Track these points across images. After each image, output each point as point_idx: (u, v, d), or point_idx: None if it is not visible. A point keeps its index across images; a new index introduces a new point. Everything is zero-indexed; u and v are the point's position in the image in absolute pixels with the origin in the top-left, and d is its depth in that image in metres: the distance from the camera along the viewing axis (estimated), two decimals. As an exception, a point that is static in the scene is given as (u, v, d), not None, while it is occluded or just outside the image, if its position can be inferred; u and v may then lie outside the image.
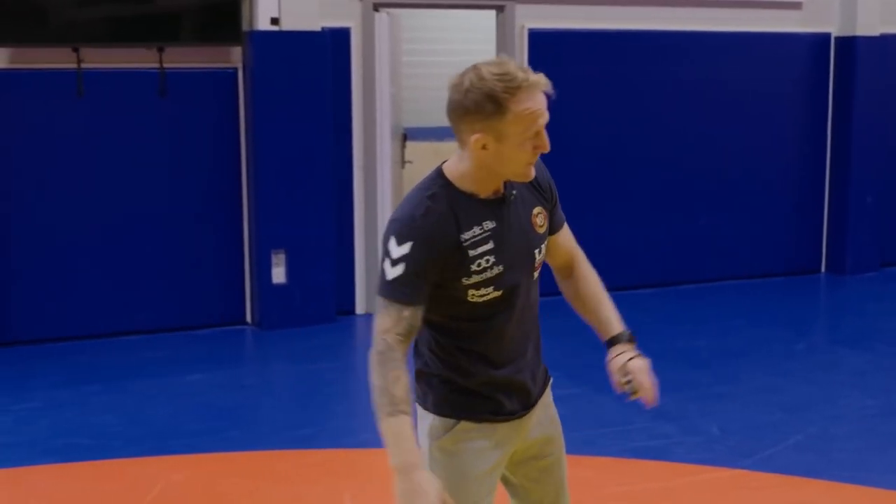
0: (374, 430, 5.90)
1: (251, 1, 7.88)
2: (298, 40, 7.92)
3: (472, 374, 2.77)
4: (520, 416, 2.85)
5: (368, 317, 8.46)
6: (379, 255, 2.81)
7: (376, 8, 8.39)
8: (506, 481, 3.01)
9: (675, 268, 9.39)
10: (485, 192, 2.73)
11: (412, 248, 2.62)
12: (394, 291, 2.64)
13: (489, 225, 2.70)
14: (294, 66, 7.91)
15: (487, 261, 2.68)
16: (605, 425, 5.94)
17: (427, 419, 2.83)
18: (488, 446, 2.81)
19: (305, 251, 8.09)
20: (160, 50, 7.67)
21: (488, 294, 2.71)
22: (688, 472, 5.26)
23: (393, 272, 2.64)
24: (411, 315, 2.64)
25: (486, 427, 2.80)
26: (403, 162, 9.32)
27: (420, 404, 2.85)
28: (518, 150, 2.64)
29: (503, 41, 8.84)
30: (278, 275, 8.01)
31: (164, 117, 7.82)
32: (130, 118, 7.76)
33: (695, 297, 8.91)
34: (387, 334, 2.64)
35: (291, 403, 6.61)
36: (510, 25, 8.79)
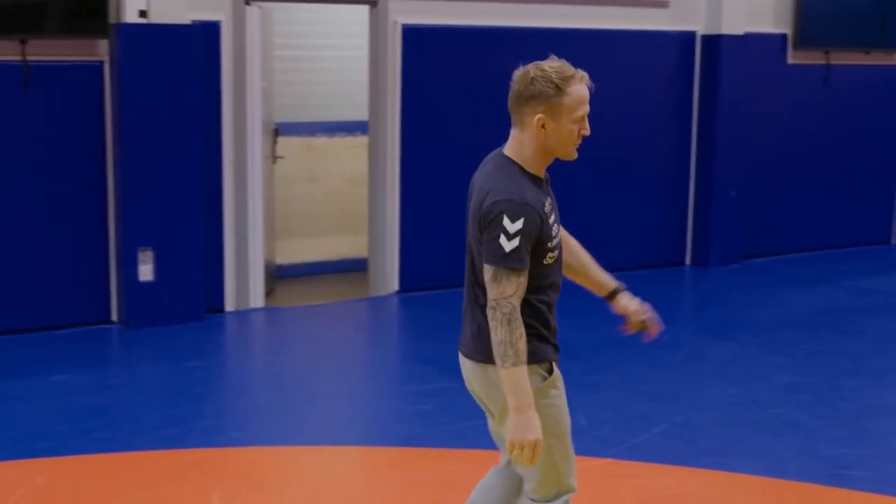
0: (245, 429, 5.81)
1: (117, -7, 7.73)
2: (167, 33, 7.78)
3: (550, 324, 3.46)
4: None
5: (238, 314, 8.40)
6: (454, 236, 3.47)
7: (247, 1, 8.29)
8: None
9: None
10: (540, 173, 3.41)
11: (524, 223, 3.23)
12: (513, 261, 3.23)
13: (548, 199, 3.42)
14: (162, 59, 7.77)
15: (554, 228, 3.39)
16: (476, 417, 5.96)
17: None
18: (562, 380, 3.53)
19: (173, 248, 7.96)
20: (23, 42, 7.46)
21: (555, 255, 3.40)
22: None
23: (510, 245, 3.22)
24: (525, 279, 3.27)
25: (556, 368, 3.50)
26: (275, 157, 9.24)
27: None
28: (569, 129, 3.32)
29: (376, 37, 8.82)
30: (145, 272, 7.86)
31: (28, 111, 7.59)
32: (-9, 112, 7.54)
33: (564, 290, 9.05)
34: (511, 298, 3.24)
35: (159, 403, 6.49)
36: (383, 21, 8.78)
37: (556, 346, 3.51)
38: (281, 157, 9.36)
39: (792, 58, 10.75)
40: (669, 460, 5.42)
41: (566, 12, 9.48)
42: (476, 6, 9.12)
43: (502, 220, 3.22)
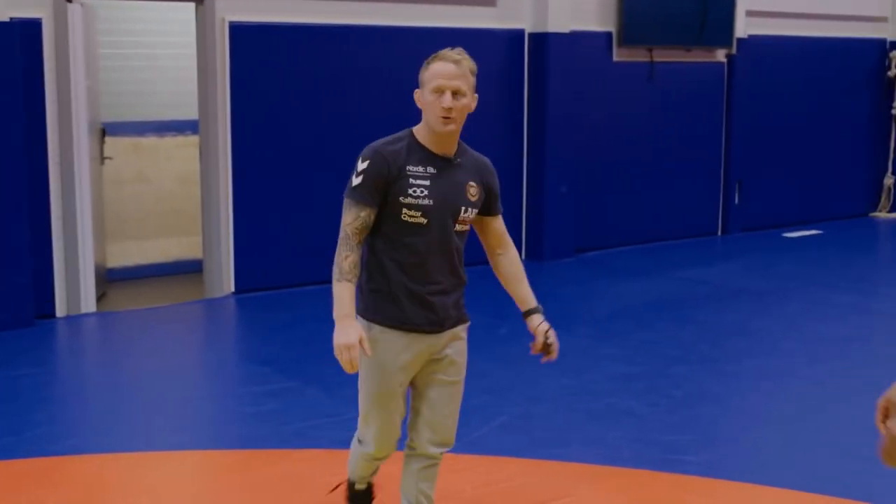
0: (78, 436, 5.66)
1: (-70, -11, 7.43)
2: (-16, 31, 7.52)
3: (402, 286, 3.76)
4: (426, 332, 3.80)
5: (70, 319, 8.17)
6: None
7: (69, -2, 8.08)
8: (413, 385, 3.96)
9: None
10: (434, 147, 3.81)
11: (368, 165, 3.72)
12: (353, 194, 3.73)
13: (431, 169, 3.77)
14: (-20, 58, 7.51)
15: (420, 193, 3.72)
16: (316, 417, 5.95)
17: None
18: (399, 348, 3.79)
19: (-2, 253, 7.70)
20: None
21: (416, 217, 3.72)
22: (398, 458, 5.35)
23: (355, 181, 3.73)
24: (364, 216, 3.71)
25: (395, 332, 3.79)
26: (103, 158, 9.02)
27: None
28: (429, 101, 3.76)
29: (203, 34, 8.69)
30: (-31, 278, 7.59)
31: None
32: None
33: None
34: (347, 226, 3.71)
35: (-13, 413, 6.27)
36: (210, 18, 8.66)
37: (400, 316, 3.78)
38: (109, 158, 9.14)
39: (617, 55, 11.04)
40: (508, 452, 5.50)
41: (394, 11, 9.52)
42: (305, 4, 9.08)
43: (357, 161, 3.76)
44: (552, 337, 3.97)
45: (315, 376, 6.63)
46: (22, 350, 7.40)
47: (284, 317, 8.38)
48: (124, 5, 9.49)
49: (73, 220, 8.21)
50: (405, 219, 3.73)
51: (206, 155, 8.85)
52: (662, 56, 11.34)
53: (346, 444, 5.56)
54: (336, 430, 5.70)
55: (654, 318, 8.51)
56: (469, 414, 6.07)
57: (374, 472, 4.28)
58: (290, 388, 6.41)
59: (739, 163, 12.22)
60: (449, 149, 3.85)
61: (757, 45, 12.13)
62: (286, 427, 5.87)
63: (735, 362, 7.31)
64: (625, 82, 11.13)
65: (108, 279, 9.36)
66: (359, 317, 3.77)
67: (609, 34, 10.96)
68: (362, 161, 3.74)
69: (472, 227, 3.97)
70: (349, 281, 3.66)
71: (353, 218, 3.71)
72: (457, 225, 3.83)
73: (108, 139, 9.12)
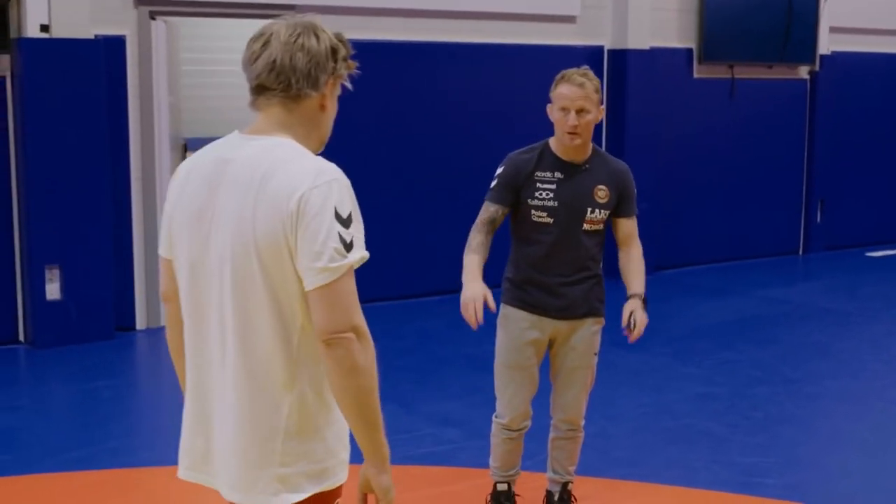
0: (154, 449, 5.72)
1: (20, 7, 7.57)
2: (70, 48, 7.65)
3: (522, 270, 4.38)
4: (552, 316, 4.37)
5: (149, 332, 8.27)
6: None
7: (153, 16, 8.19)
8: (550, 367, 4.54)
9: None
10: (564, 155, 4.33)
11: (502, 171, 4.34)
12: (488, 194, 4.35)
13: (559, 175, 4.30)
14: (65, 74, 7.64)
15: (547, 194, 4.26)
16: (393, 432, 5.92)
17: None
18: (526, 325, 4.37)
19: (81, 266, 7.82)
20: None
21: (542, 217, 4.28)
22: (471, 475, 5.32)
23: (492, 183, 4.35)
24: (494, 210, 4.32)
25: (522, 312, 4.38)
26: (184, 173, 9.11)
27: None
28: (557, 117, 4.28)
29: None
30: (52, 291, 7.71)
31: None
32: None
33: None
34: (479, 218, 4.32)
35: (67, 424, 6.36)
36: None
37: (528, 299, 4.38)
38: (190, 173, 9.24)
39: (697, 72, 10.92)
40: (585, 471, 5.43)
41: (476, 27, 9.52)
42: (384, 21, 9.10)
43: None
44: (637, 317, 4.39)
45: (392, 393, 6.62)
46: (102, 362, 7.49)
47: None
48: (207, 22, 9.60)
49: (155, 233, 8.29)
50: (534, 219, 4.29)
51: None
52: (744, 73, 11.20)
53: (419, 460, 5.57)
54: (411, 447, 5.69)
55: (733, 337, 8.38)
56: (543, 431, 6.03)
57: (515, 470, 4.65)
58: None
59: (822, 181, 12.01)
60: (577, 156, 4.33)
61: (840, 62, 11.92)
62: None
63: (817, 384, 7.16)
64: (705, 99, 11.01)
65: (188, 293, 9.45)
66: (501, 303, 4.39)
67: (689, 50, 10.86)
68: (500, 167, 4.36)
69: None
70: (476, 253, 4.23)
71: (483, 211, 4.33)
72: (584, 224, 4.34)
73: (189, 154, 9.22)
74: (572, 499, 4.68)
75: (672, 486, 5.30)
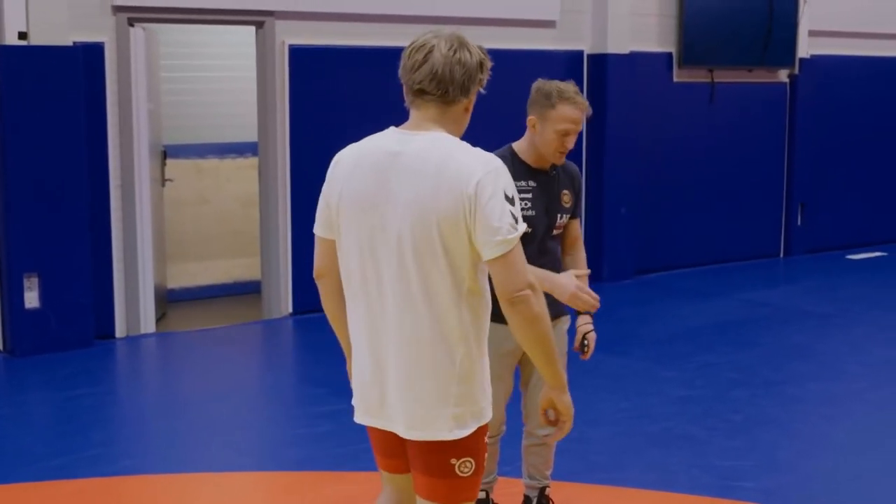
0: (134, 457, 5.71)
1: (-4, 14, 7.55)
2: (48, 55, 7.63)
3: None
4: None
5: (129, 339, 8.25)
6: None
7: (131, 23, 8.17)
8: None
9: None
10: (535, 163, 4.20)
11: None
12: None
13: (532, 183, 4.17)
14: (44, 81, 7.62)
15: (525, 203, 4.07)
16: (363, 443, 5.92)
17: None
18: (501, 337, 3.89)
19: (60, 274, 7.79)
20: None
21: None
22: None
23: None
24: None
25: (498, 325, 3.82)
26: (164, 180, 9.11)
27: None
28: (550, 137, 4.12)
29: (263, 57, 8.76)
30: (31, 299, 7.69)
31: None
32: None
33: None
34: None
35: (46, 433, 6.34)
36: (270, 41, 8.72)
37: (500, 312, 3.96)
38: (170, 180, 9.23)
39: (677, 76, 10.95)
40: (562, 476, 5.43)
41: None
42: (363, 27, 9.12)
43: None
44: (590, 340, 4.37)
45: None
46: (81, 370, 7.47)
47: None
48: (186, 29, 9.59)
49: (134, 241, 8.29)
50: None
51: (265, 176, 8.90)
52: (723, 77, 11.24)
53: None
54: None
55: (714, 340, 8.40)
56: (521, 437, 6.03)
57: (493, 477, 4.61)
58: (346, 410, 6.34)
59: (802, 184, 12.05)
60: (546, 163, 4.24)
61: (820, 65, 11.97)
62: (342, 449, 5.85)
63: (798, 386, 7.18)
64: (685, 103, 11.04)
65: (168, 300, 9.44)
66: None
67: (669, 55, 10.88)
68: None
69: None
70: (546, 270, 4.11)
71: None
72: (553, 230, 4.29)
73: (169, 161, 9.22)
74: (550, 502, 4.68)
75: (651, 490, 5.30)
